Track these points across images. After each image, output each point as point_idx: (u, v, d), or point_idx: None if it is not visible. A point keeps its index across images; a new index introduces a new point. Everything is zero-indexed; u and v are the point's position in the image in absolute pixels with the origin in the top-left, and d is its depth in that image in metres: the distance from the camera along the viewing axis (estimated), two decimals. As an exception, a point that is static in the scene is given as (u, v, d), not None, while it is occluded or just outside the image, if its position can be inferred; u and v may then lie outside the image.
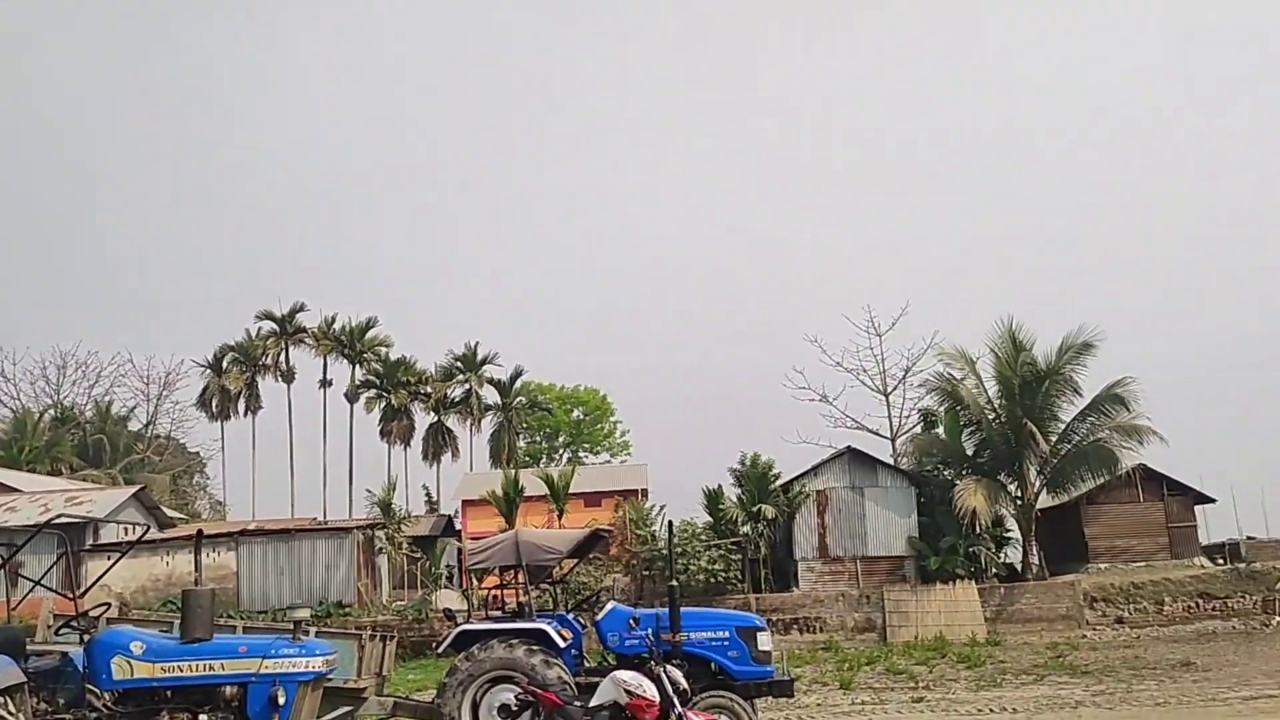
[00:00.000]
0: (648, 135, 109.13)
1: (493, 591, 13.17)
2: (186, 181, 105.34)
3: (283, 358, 58.24)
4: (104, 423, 62.44)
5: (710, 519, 33.61)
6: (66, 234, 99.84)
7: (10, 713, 7.58)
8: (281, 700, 8.15)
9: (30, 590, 9.10)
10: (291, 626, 8.74)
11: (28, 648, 8.56)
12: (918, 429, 38.66)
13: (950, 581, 30.24)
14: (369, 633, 11.64)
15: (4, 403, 64.19)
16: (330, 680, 10.46)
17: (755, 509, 32.51)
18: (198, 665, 8.24)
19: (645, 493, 46.96)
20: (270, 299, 74.56)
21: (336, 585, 31.75)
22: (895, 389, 42.77)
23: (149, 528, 12.77)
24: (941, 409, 35.38)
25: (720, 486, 34.22)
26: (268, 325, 58.07)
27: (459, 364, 57.62)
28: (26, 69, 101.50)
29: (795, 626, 30.12)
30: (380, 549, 35.45)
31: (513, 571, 12.05)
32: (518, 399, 58.70)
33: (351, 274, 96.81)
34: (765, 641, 11.44)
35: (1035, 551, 32.53)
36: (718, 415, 79.49)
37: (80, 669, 8.35)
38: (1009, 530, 33.59)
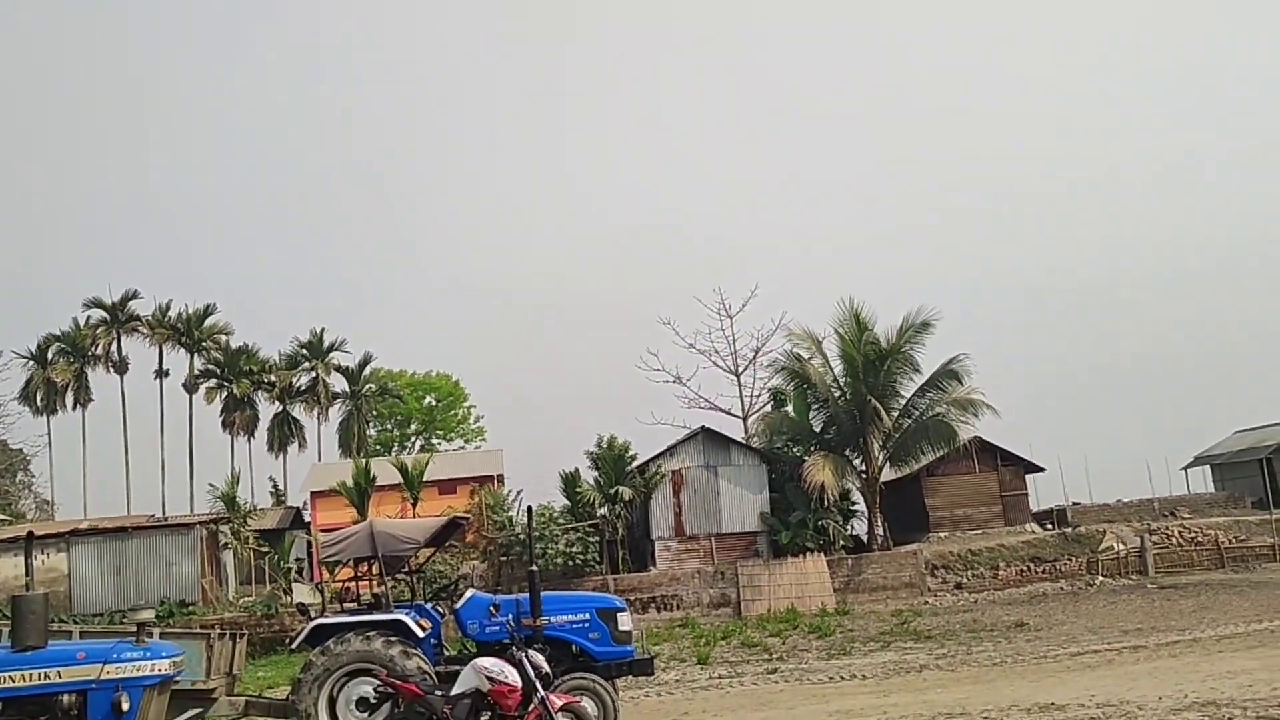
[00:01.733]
0: (496, 106, 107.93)
1: (346, 584, 12.89)
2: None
3: (114, 347, 55.03)
4: (-91, 419, 57.74)
5: (568, 502, 33.77)
6: None
7: None
8: (125, 706, 7.79)
9: None
10: (134, 629, 8.34)
11: None
12: (768, 408, 39.73)
13: (801, 554, 31.33)
14: (217, 631, 11.22)
15: None
16: (178, 683, 10.08)
17: (613, 491, 32.84)
18: (31, 674, 7.79)
19: (501, 478, 46.66)
20: (100, 286, 70.34)
21: (178, 584, 30.47)
22: (746, 369, 43.89)
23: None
24: (790, 388, 36.47)
25: (577, 469, 34.42)
26: (97, 314, 54.78)
27: (305, 351, 55.81)
28: None
29: (653, 605, 30.64)
30: (225, 544, 34.19)
31: (368, 563, 11.83)
32: (367, 386, 57.28)
33: (188, 259, 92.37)
34: (625, 622, 11.59)
35: (880, 523, 34.01)
36: (573, 398, 79.79)
37: (-106, 685, 7.80)
38: (855, 503, 35.00)
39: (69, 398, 53.84)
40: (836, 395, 34.70)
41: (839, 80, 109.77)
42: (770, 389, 40.25)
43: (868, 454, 33.86)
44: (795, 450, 35.35)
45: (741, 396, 44.29)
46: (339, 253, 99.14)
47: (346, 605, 12.12)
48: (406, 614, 10.85)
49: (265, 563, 34.81)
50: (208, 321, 55.48)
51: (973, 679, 14.81)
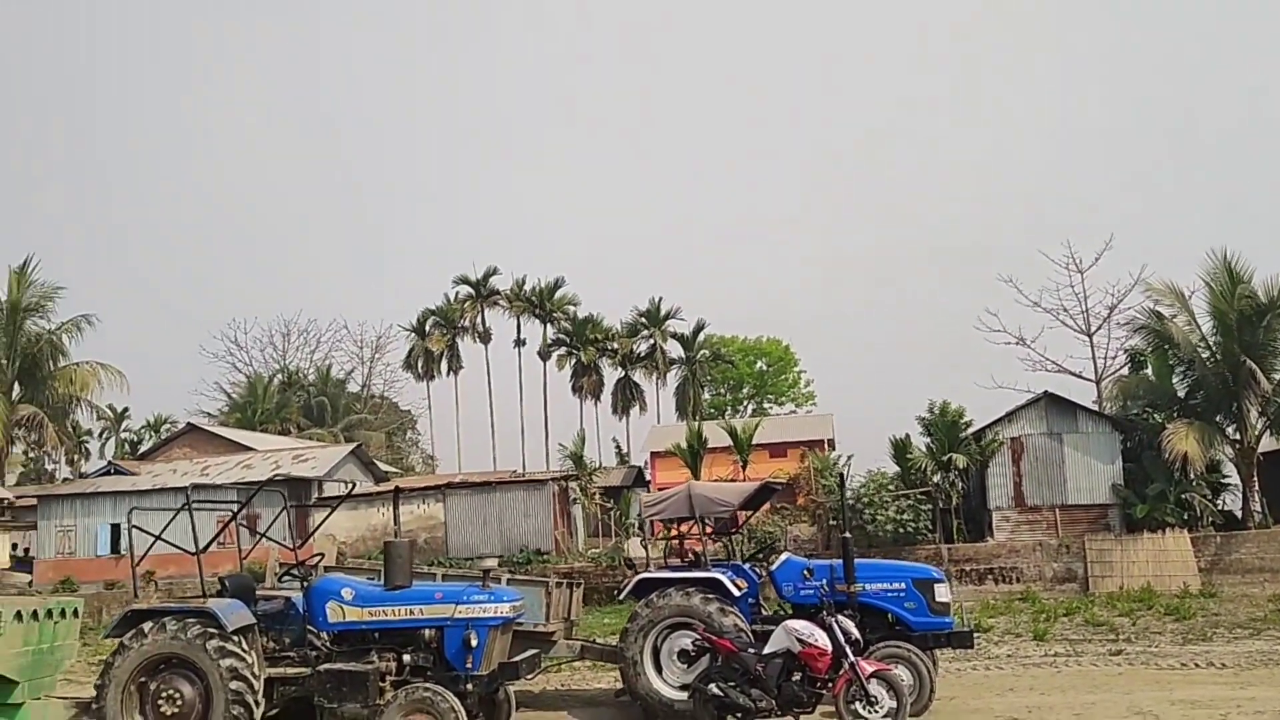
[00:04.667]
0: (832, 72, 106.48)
1: (671, 540, 13.57)
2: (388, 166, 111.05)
3: (479, 319, 60.91)
4: (325, 385, 67.30)
5: (898, 469, 33.12)
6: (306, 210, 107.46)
7: (243, 650, 8.61)
8: (474, 643, 8.84)
9: (257, 542, 10.20)
10: (481, 574, 9.40)
11: (257, 593, 9.67)
12: (1124, 371, 36.58)
13: (1159, 530, 28.70)
14: (555, 580, 12.31)
15: (239, 369, 70.34)
16: (520, 624, 11.23)
17: (945, 458, 31.76)
18: (399, 610, 9.05)
19: (831, 443, 46.62)
20: (466, 265, 77.94)
21: (535, 534, 33.30)
22: (1099, 329, 40.66)
23: (353, 485, 14.03)
24: (1149, 349, 33.29)
25: (908, 436, 33.61)
26: (464, 289, 60.81)
27: (643, 319, 58.62)
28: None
29: (990, 576, 29.38)
30: (574, 499, 36.93)
31: (688, 523, 12.42)
32: (701, 352, 59.17)
33: (540, 236, 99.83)
34: (943, 593, 11.38)
35: (1257, 498, 30.32)
36: (906, 363, 77.72)
37: (301, 612, 9.35)
38: (1226, 476, 31.41)
39: (443, 365, 60.38)
40: (1204, 356, 31.21)
41: None
42: (1127, 350, 37.02)
43: (1242, 421, 30.20)
44: (1155, 417, 32.29)
45: (1094, 358, 41.17)
46: (676, 223, 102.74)
47: (670, 561, 12.80)
48: (724, 573, 11.32)
49: (609, 517, 37.26)
50: (558, 294, 59.76)
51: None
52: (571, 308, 59.76)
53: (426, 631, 9.01)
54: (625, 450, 58.00)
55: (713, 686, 9.78)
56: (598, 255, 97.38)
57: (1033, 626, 19.94)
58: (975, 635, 17.57)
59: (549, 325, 59.86)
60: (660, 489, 37.32)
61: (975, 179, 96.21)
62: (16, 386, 35.03)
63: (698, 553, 11.98)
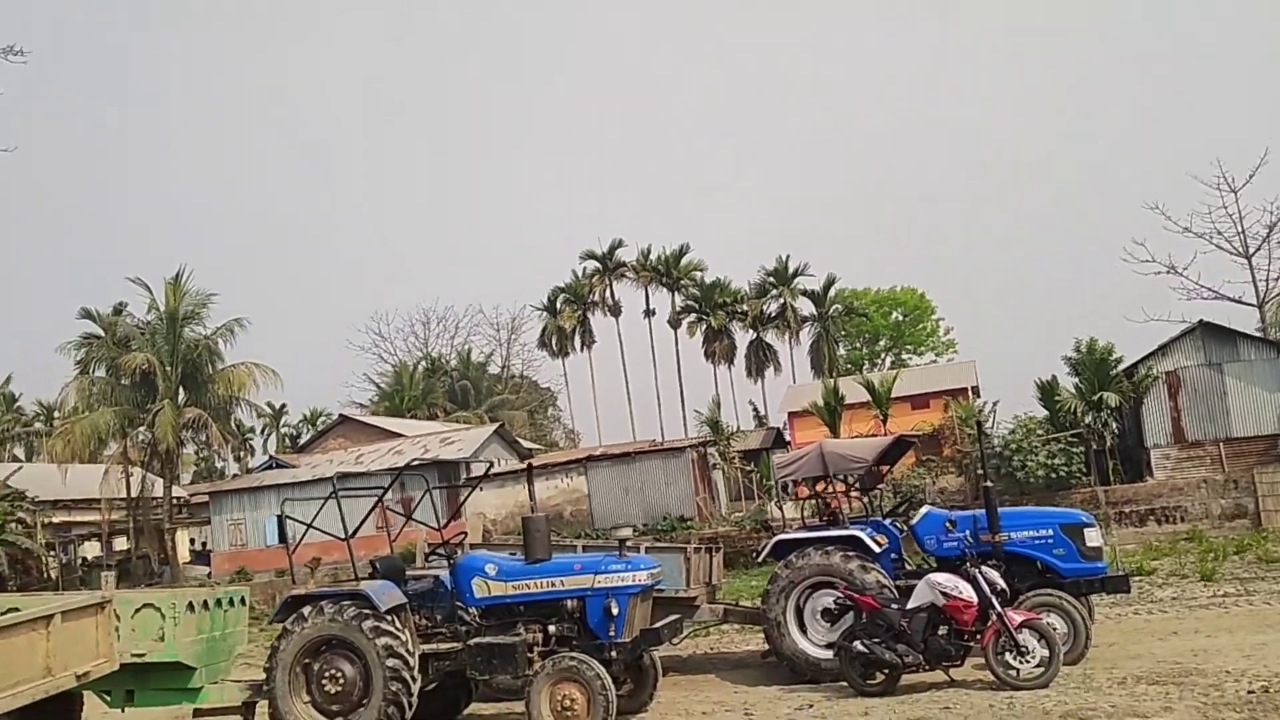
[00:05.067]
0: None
1: (814, 498, 13.39)
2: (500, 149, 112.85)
3: (608, 293, 61.43)
4: (466, 369, 69.29)
5: (1047, 412, 31.97)
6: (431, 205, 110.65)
7: (396, 629, 8.99)
8: (615, 611, 8.99)
9: (404, 524, 10.59)
10: (617, 544, 9.54)
11: (407, 573, 10.07)
12: (1289, 291, 34.29)
13: (1337, 458, 26.89)
14: (694, 546, 12.38)
15: (384, 359, 73.06)
16: (661, 591, 11.35)
17: (1095, 397, 30.48)
18: (541, 583, 9.27)
19: (976, 390, 45.30)
20: (591, 240, 78.70)
21: (676, 501, 33.56)
22: (1258, 250, 38.10)
23: (490, 465, 14.58)
24: (1316, 266, 31.12)
25: (1055, 378, 32.39)
26: (592, 264, 61.39)
27: (771, 279, 57.95)
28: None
29: (1152, 518, 28.08)
30: (714, 465, 37.01)
31: (824, 481, 12.29)
32: (833, 307, 58.15)
33: (662, 205, 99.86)
34: (1094, 537, 10.94)
35: None
36: (1049, 304, 74.63)
37: (449, 589, 9.70)
38: None
39: (576, 341, 61.26)
40: (1377, 270, 28.98)
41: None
42: (1290, 269, 34.67)
43: None
44: (1329, 336, 30.23)
45: (1254, 281, 38.63)
46: (798, 177, 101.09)
47: (809, 522, 12.71)
48: (863, 530, 11.17)
49: (750, 481, 37.21)
50: (683, 261, 59.66)
51: None
52: (698, 274, 59.61)
53: (569, 602, 9.20)
54: (763, 413, 57.82)
55: (858, 644, 9.70)
56: (721, 220, 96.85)
57: (1199, 567, 18.97)
58: (1133, 579, 16.90)
59: (677, 293, 59.89)
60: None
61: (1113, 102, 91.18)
62: (181, 391, 37.34)
63: (836, 511, 11.84)
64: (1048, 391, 31.82)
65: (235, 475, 57.44)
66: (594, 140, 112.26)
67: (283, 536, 35.22)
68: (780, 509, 13.80)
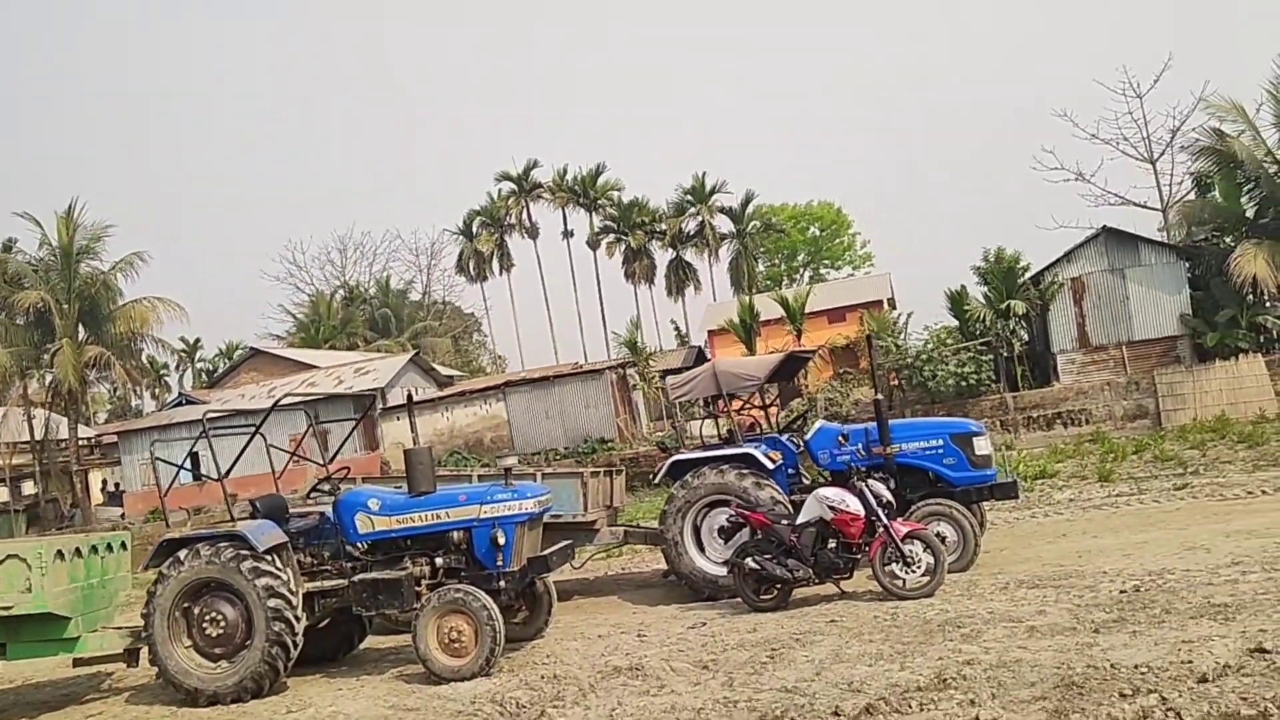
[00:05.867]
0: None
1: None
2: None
3: (525, 215, 60.56)
4: (386, 297, 68.05)
5: (956, 321, 32.49)
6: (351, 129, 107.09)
7: (277, 568, 8.75)
8: (501, 541, 8.85)
9: (288, 462, 10.26)
10: (503, 473, 9.36)
11: (290, 511, 9.79)
12: (1190, 196, 34.99)
13: (1232, 358, 27.80)
14: (590, 470, 12.30)
15: (300, 288, 71.36)
16: (558, 517, 11.28)
17: (1004, 306, 31.03)
18: (426, 515, 9.08)
19: (892, 302, 45.89)
20: (505, 160, 77.20)
21: (597, 423, 33.61)
22: (1162, 154, 38.79)
23: (372, 401, 14.23)
24: (1215, 170, 31.69)
25: (964, 287, 32.86)
26: (507, 186, 60.38)
27: (689, 197, 57.68)
28: None
29: (1059, 421, 28.91)
30: (634, 385, 37.06)
31: (720, 400, 12.22)
32: (751, 224, 58.21)
33: (575, 124, 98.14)
34: (983, 445, 11.09)
35: (1335, 316, 29.14)
36: (963, 215, 75.58)
37: (333, 526, 9.46)
38: (1301, 295, 30.16)
39: (494, 265, 60.46)
40: (1272, 171, 29.64)
41: None
42: (1191, 173, 35.31)
43: (1316, 234, 28.79)
44: (1223, 241, 30.96)
45: (1159, 186, 39.41)
46: (710, 93, 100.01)
47: (708, 440, 12.69)
48: (756, 448, 11.16)
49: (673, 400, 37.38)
50: (600, 180, 58.99)
51: None
52: (615, 193, 59.10)
53: (455, 534, 9.04)
54: (684, 331, 58.00)
55: (749, 560, 9.74)
56: (634, 138, 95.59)
57: (1099, 468, 19.59)
58: (1035, 481, 17.34)
59: (595, 214, 59.37)
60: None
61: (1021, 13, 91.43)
62: (80, 329, 35.94)
63: (732, 430, 11.82)
64: (957, 301, 32.28)
65: (150, 413, 56.01)
66: (515, 59, 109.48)
67: (197, 475, 34.75)
68: (677, 429, 13.75)
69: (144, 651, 9.17)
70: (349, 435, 12.02)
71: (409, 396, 13.19)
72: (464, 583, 8.80)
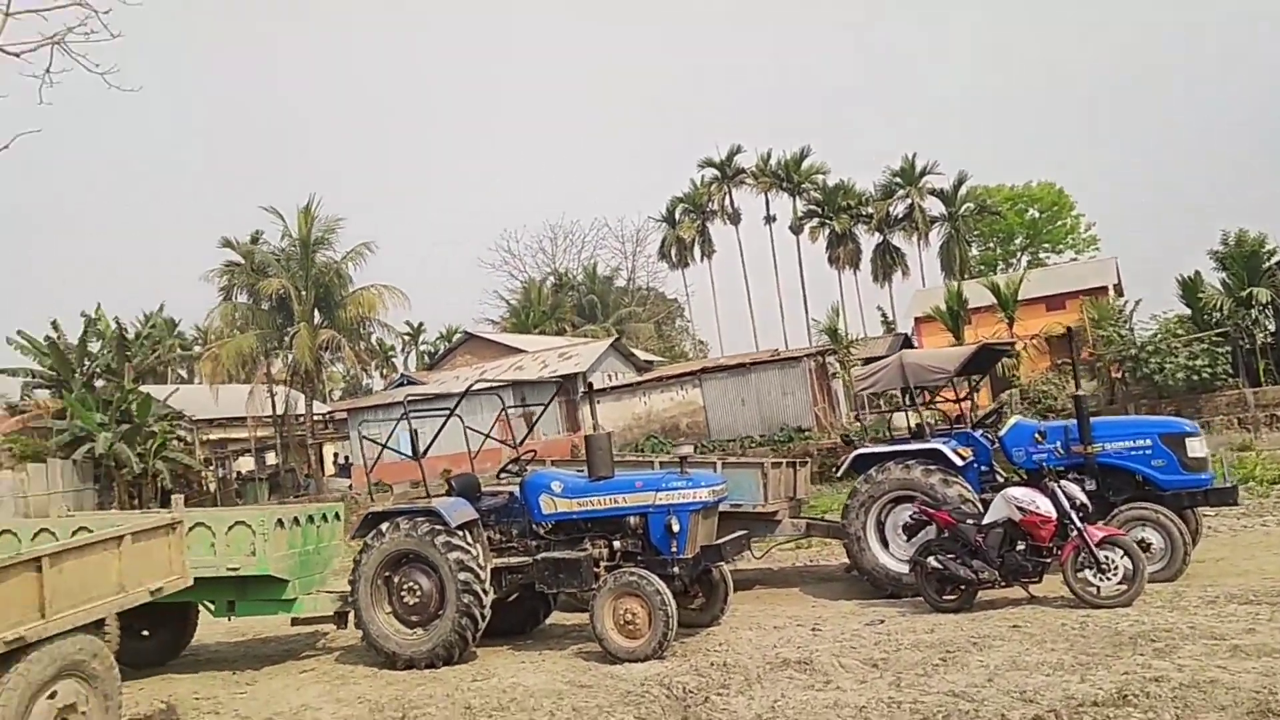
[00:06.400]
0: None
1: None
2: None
3: (727, 200, 60.60)
4: (593, 283, 69.86)
5: (1188, 310, 30.16)
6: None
7: (467, 544, 9.26)
8: (676, 527, 9.01)
9: (482, 443, 10.80)
10: (678, 461, 9.52)
11: (482, 489, 10.32)
12: None
13: None
14: (772, 461, 12.24)
15: (514, 276, 74.35)
16: (739, 506, 11.33)
17: (1245, 293, 28.55)
18: (604, 499, 9.36)
19: (1118, 289, 43.09)
20: (709, 148, 77.52)
21: (794, 411, 33.27)
22: None
23: (559, 386, 14.72)
24: None
25: (1198, 273, 30.47)
26: (710, 172, 60.58)
27: (898, 179, 56.00)
28: None
29: (1308, 420, 26.32)
30: (834, 374, 36.44)
31: (907, 393, 11.89)
32: (964, 206, 55.86)
33: (783, 107, 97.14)
34: (1197, 447, 10.28)
35: None
36: (1199, 195, 69.68)
37: (521, 505, 9.91)
38: None
39: (696, 251, 60.86)
40: None
41: None
42: None
43: None
44: None
45: None
46: (922, 69, 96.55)
47: (896, 433, 12.37)
48: (945, 443, 10.80)
49: (874, 389, 36.48)
50: (805, 164, 58.19)
51: None
52: (820, 176, 58.14)
53: (632, 519, 9.27)
54: (890, 318, 56.50)
55: (931, 559, 9.47)
56: (841, 118, 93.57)
57: (1352, 473, 17.68)
58: (1250, 489, 15.86)
59: (798, 198, 58.63)
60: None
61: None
62: (316, 314, 39.02)
63: (921, 424, 11.48)
64: (1190, 288, 29.99)
65: (376, 393, 60.00)
66: (721, 48, 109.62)
67: (415, 451, 36.81)
68: (862, 421, 13.47)
69: (351, 615, 9.94)
70: (536, 420, 12.59)
71: (589, 385, 13.54)
72: (640, 566, 9.02)
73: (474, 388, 10.22)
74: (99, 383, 36.76)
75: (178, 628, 10.92)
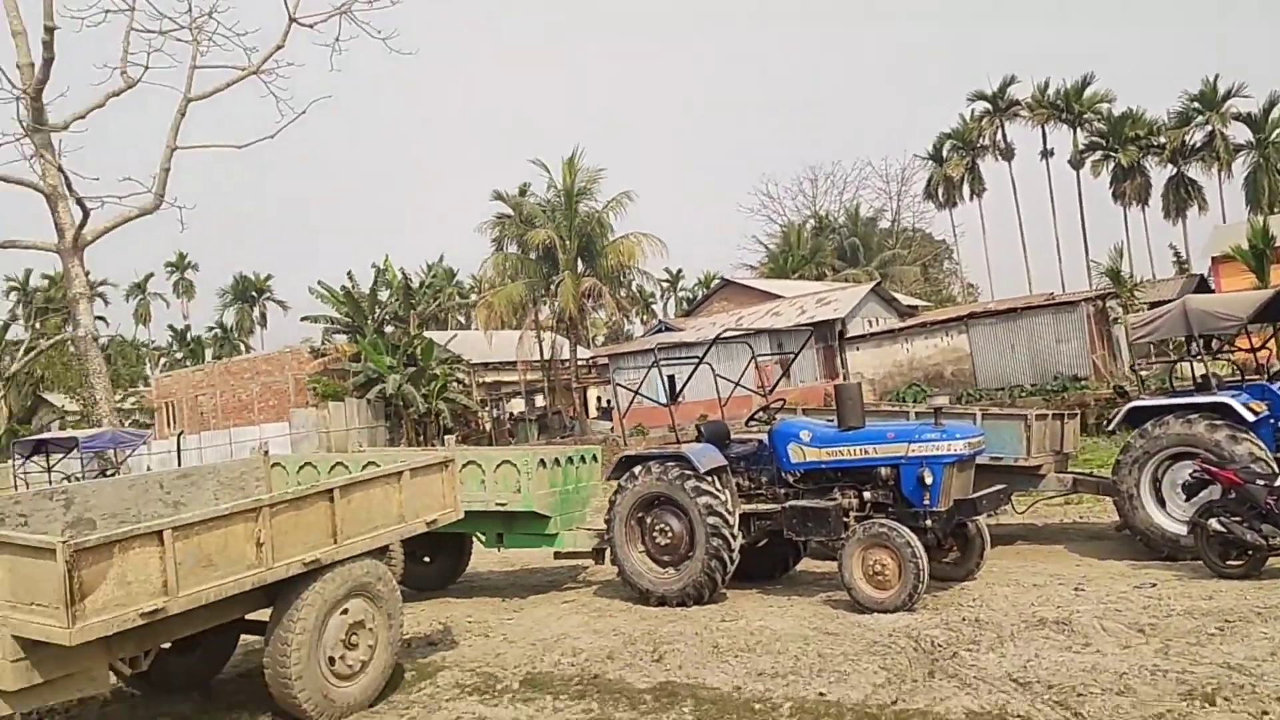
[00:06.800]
0: None
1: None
2: None
3: (999, 135, 57.24)
4: (855, 225, 68.38)
5: None
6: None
7: (716, 489, 9.49)
8: (929, 480, 8.81)
9: (733, 390, 10.98)
10: (933, 412, 9.27)
11: (731, 436, 10.51)
12: None
13: None
14: (1036, 413, 11.58)
15: (774, 220, 74.06)
16: (1000, 460, 10.89)
17: None
18: (854, 450, 9.29)
19: None
20: (980, 79, 73.25)
21: (1069, 359, 31.31)
22: None
23: (810, 335, 14.51)
24: None
25: None
26: (980, 106, 57.46)
27: (1195, 104, 50.64)
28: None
29: None
30: (1115, 319, 33.89)
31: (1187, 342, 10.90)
32: (1275, 132, 49.76)
33: (1060, 36, 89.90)
34: None
35: None
36: None
37: (769, 453, 10.02)
38: None
39: (965, 190, 58.01)
40: None
41: None
42: None
43: None
44: None
45: None
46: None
47: (1179, 385, 11.39)
48: (1234, 396, 9.84)
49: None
50: (1087, 93, 53.93)
51: None
52: (1105, 105, 53.65)
53: (883, 470, 9.13)
54: (1184, 258, 51.63)
55: (1214, 521, 8.72)
56: (1127, 39, 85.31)
57: None
58: None
59: (1079, 130, 54.41)
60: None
61: None
62: (579, 263, 40.68)
63: (1203, 375, 10.50)
64: None
65: (635, 339, 61.89)
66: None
67: (673, 395, 37.79)
68: (1137, 372, 12.46)
69: (607, 552, 10.48)
70: (787, 368, 12.55)
71: (840, 334, 13.40)
72: (890, 518, 8.90)
73: (722, 336, 10.34)
74: (388, 329, 40.29)
75: (455, 556, 11.99)
